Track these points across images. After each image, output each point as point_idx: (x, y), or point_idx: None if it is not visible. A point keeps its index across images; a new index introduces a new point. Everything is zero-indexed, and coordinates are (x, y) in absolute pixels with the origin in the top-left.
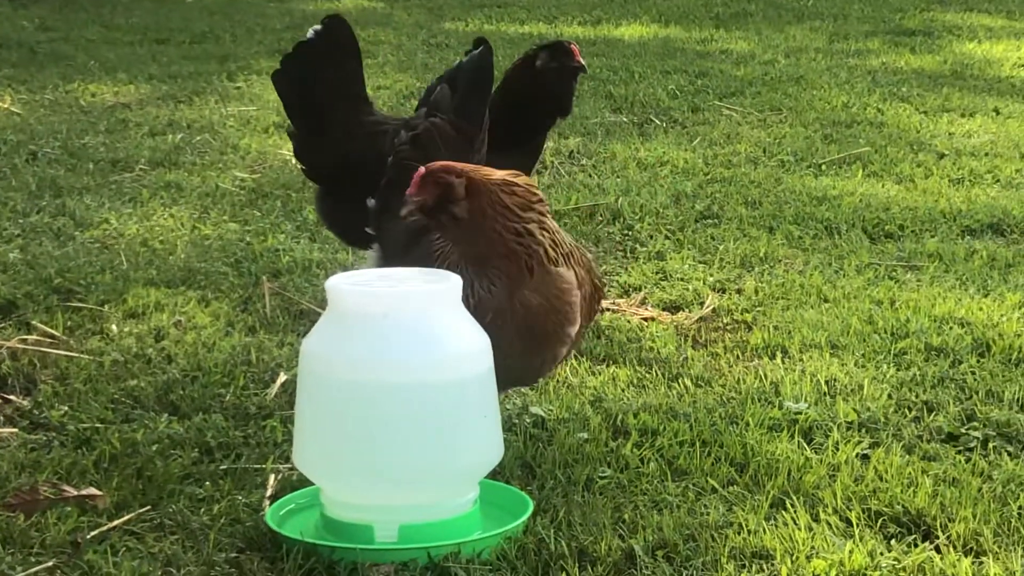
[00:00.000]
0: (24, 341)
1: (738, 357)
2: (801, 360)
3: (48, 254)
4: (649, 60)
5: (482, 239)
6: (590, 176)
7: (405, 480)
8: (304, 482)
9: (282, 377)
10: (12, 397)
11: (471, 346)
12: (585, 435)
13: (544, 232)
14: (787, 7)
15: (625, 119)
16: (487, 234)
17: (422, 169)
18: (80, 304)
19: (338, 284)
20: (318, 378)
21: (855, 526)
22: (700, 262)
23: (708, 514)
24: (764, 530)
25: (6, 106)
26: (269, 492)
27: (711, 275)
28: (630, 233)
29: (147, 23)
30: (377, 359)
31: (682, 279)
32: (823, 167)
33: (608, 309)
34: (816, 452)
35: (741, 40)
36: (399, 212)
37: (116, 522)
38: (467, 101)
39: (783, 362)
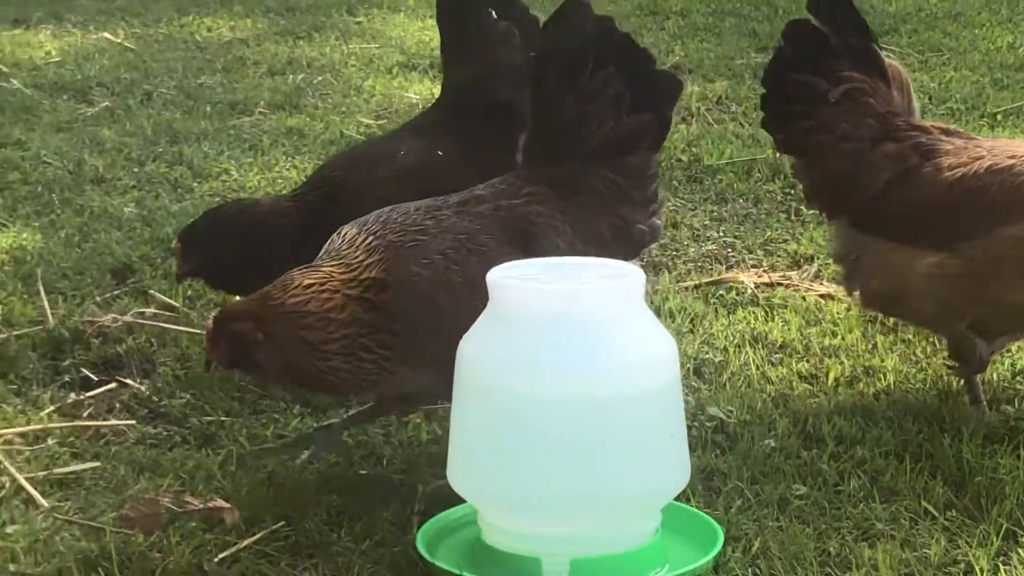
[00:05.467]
0: (141, 315)
1: (936, 345)
2: (1010, 351)
3: (165, 209)
4: None
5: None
6: (741, 125)
7: (578, 507)
8: (457, 495)
9: None
10: (129, 381)
11: (655, 353)
12: (772, 443)
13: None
14: None
15: None
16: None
17: (210, 323)
18: None
19: (499, 279)
20: (478, 388)
21: None
22: None
23: (928, 547)
24: (999, 571)
25: (119, 41)
26: (417, 507)
27: None
28: (793, 192)
29: None
30: (545, 369)
31: None
32: (998, 117)
33: (779, 284)
34: None
35: None
36: None
37: (246, 541)
38: None
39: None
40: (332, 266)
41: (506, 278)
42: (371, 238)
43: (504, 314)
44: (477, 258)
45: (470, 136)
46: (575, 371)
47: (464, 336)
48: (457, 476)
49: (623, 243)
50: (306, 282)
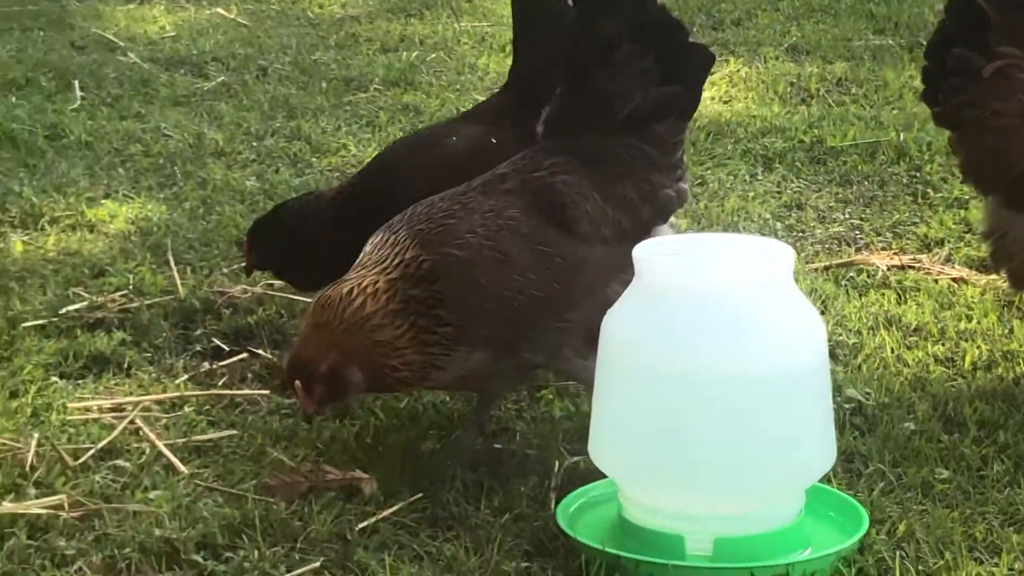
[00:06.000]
0: (271, 287)
1: None
2: None
3: (286, 183)
4: None
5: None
6: (863, 107)
7: (723, 485)
8: (593, 470)
9: None
10: (260, 352)
11: (804, 331)
12: (912, 426)
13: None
14: None
15: (891, 42)
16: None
17: (295, 384)
18: None
19: (647, 255)
20: (624, 364)
21: None
22: None
23: None
24: None
25: (233, 16)
26: (554, 483)
27: None
28: (919, 175)
29: None
30: (693, 346)
31: None
32: None
33: (910, 266)
34: None
35: None
36: None
37: (385, 512)
38: None
39: None
40: (360, 270)
41: (653, 254)
42: (399, 234)
43: (651, 290)
44: (509, 232)
45: (529, 124)
46: (723, 349)
47: (608, 312)
48: (599, 452)
49: (651, 208)
50: (345, 290)
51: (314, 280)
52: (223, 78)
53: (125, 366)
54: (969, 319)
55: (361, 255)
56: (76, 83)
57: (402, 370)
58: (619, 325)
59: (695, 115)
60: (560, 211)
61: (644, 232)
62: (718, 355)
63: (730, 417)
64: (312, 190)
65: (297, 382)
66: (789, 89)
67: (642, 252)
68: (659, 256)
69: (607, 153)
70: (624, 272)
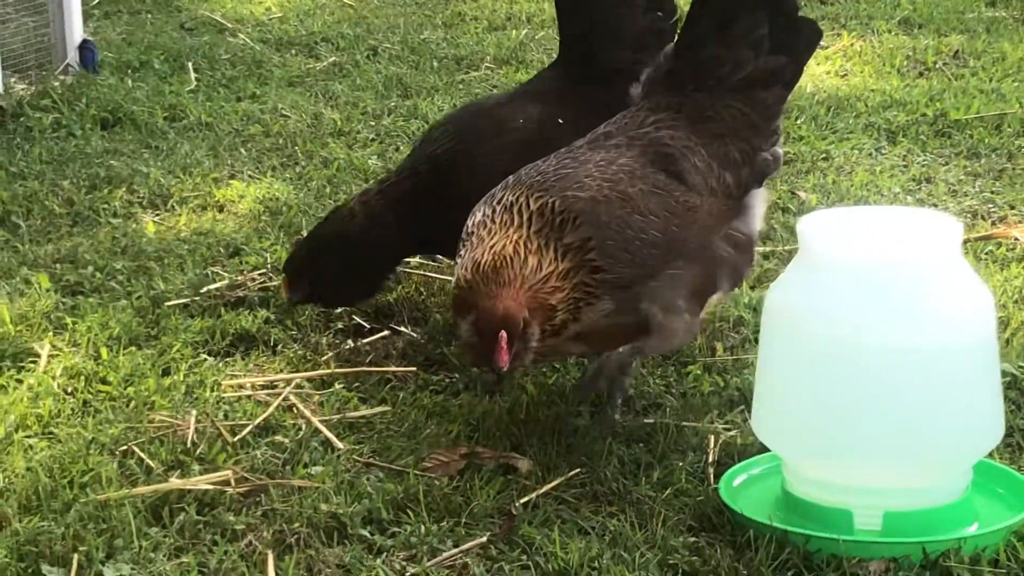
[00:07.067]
0: (407, 264)
1: None
2: None
3: None
4: None
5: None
6: (983, 80)
7: (892, 460)
8: (748, 444)
9: None
10: (403, 329)
11: (974, 305)
12: None
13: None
14: None
15: (1004, 14)
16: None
17: (502, 335)
18: None
19: (813, 228)
20: (790, 338)
21: None
22: None
23: None
24: None
25: None
26: (711, 458)
27: None
28: None
29: None
30: (863, 319)
31: None
32: None
33: None
34: None
35: None
36: None
37: (545, 487)
38: None
39: None
40: (493, 236)
41: (820, 227)
42: (504, 202)
43: (817, 263)
44: (626, 176)
45: (591, 104)
46: (892, 322)
47: (772, 285)
48: (764, 426)
49: (749, 169)
50: (510, 251)
51: (370, 290)
52: (334, 58)
53: (272, 344)
54: None
55: (470, 229)
56: (190, 65)
57: (546, 329)
58: (785, 298)
59: (813, 89)
60: (669, 162)
61: (743, 193)
62: (887, 329)
63: (898, 390)
64: (333, 208)
65: (503, 332)
66: (906, 62)
67: (807, 225)
68: (826, 229)
69: (710, 112)
70: (729, 225)
